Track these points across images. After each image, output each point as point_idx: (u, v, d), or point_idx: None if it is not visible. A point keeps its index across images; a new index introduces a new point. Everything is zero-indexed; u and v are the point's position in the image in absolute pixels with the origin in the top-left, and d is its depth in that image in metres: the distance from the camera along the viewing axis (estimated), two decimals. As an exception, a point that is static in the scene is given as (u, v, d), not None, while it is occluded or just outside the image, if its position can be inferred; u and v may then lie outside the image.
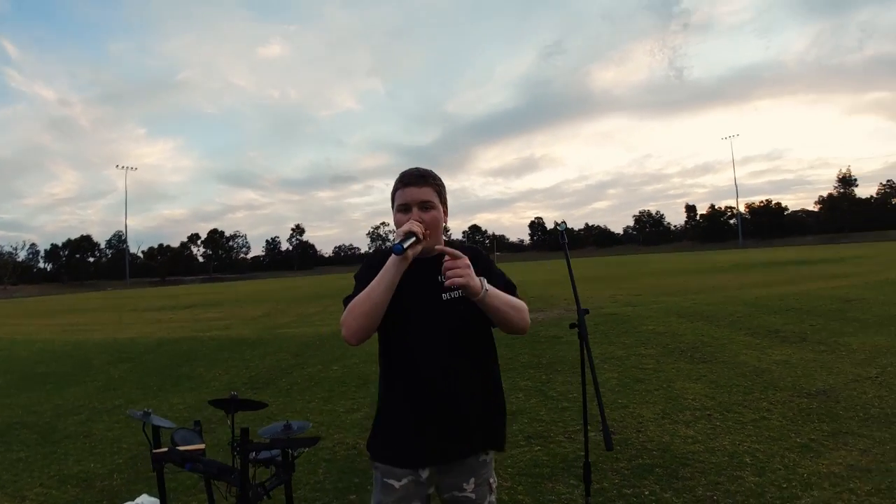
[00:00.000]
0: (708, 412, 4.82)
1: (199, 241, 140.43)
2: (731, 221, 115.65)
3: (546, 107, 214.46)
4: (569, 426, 4.62)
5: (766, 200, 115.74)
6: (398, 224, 1.84)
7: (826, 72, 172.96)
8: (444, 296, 1.83)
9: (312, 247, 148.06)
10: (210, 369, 7.98)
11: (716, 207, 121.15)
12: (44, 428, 5.55)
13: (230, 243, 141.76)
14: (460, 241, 2.24)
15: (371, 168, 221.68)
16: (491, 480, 1.90)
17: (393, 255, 1.67)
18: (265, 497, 2.42)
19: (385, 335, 1.86)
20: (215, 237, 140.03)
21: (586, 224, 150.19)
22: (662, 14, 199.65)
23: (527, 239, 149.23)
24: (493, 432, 1.88)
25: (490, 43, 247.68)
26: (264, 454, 2.54)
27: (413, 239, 1.68)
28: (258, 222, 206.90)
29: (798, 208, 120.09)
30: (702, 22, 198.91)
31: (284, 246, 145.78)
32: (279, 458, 2.54)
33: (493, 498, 1.90)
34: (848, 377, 5.69)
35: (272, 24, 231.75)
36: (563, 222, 2.58)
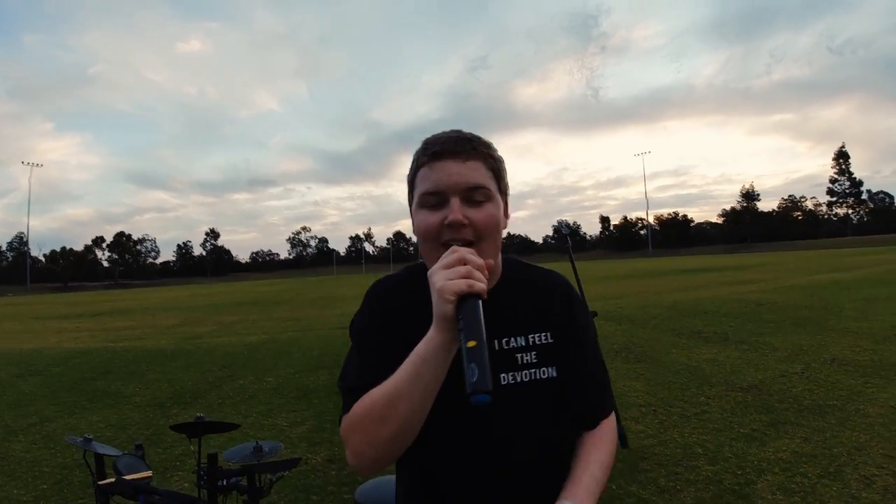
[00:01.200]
0: (653, 408, 4.96)
1: (104, 245, 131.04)
2: (642, 232, 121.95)
3: (470, 118, 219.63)
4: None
5: (674, 213, 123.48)
6: (421, 227, 1.04)
7: (733, 94, 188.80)
8: (505, 378, 1.04)
9: (228, 252, 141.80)
10: (128, 383, 7.37)
11: (627, 219, 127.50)
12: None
13: (138, 247, 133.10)
14: (523, 263, 1.22)
15: (292, 172, 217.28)
16: None
17: (433, 332, 0.90)
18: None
19: (422, 436, 0.99)
20: (122, 240, 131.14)
21: (508, 233, 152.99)
22: (582, 36, 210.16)
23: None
24: None
25: (417, 54, 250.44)
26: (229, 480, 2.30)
27: (481, 320, 0.83)
28: (168, 226, 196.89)
29: (703, 220, 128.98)
30: (619, 45, 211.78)
31: (197, 251, 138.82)
32: (244, 484, 2.29)
33: None
34: (775, 372, 6.04)
35: (194, 21, 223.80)
36: (566, 222, 2.52)
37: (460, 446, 1.02)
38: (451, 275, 0.86)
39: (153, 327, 15.73)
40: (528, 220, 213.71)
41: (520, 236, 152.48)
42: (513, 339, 1.06)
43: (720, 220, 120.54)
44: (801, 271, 23.36)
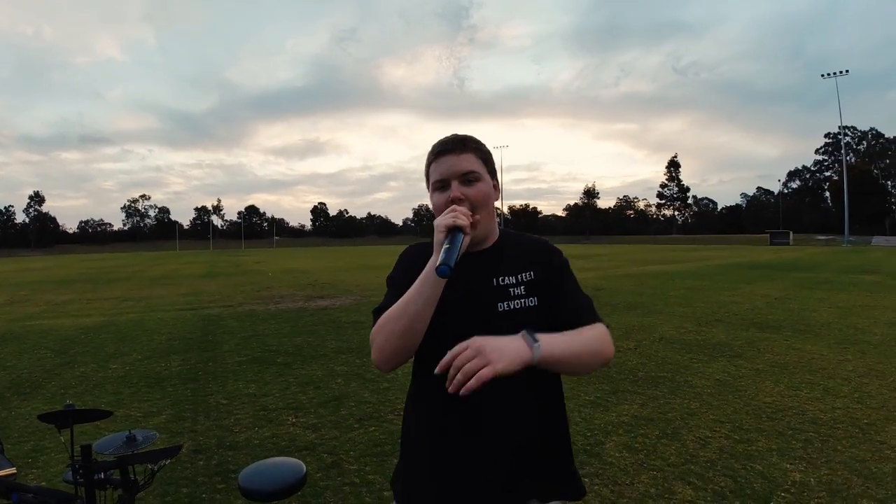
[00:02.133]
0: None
1: None
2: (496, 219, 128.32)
3: (335, 92, 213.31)
4: (395, 405, 4.73)
5: (525, 204, 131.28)
6: (435, 206, 1.40)
7: (584, 101, 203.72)
8: (501, 305, 1.35)
9: (54, 220, 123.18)
10: (-49, 372, 6.40)
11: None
12: None
13: None
14: (515, 232, 1.53)
15: (131, 130, 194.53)
16: None
17: (433, 257, 1.25)
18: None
19: (421, 354, 1.35)
20: None
21: (369, 213, 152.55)
22: (453, 24, 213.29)
23: (308, 224, 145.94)
24: (561, 476, 1.38)
25: (282, 13, 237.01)
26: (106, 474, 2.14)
27: (459, 242, 1.23)
28: None
29: (550, 213, 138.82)
30: (487, 39, 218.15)
31: (20, 217, 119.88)
32: (116, 478, 2.16)
33: None
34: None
35: None
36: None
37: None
38: (444, 217, 1.27)
39: (-33, 307, 13.65)
40: (389, 202, 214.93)
41: (380, 217, 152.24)
42: (506, 277, 1.39)
43: (564, 214, 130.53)
44: (632, 262, 26.09)
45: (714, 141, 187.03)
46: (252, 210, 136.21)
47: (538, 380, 1.32)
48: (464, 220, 1.26)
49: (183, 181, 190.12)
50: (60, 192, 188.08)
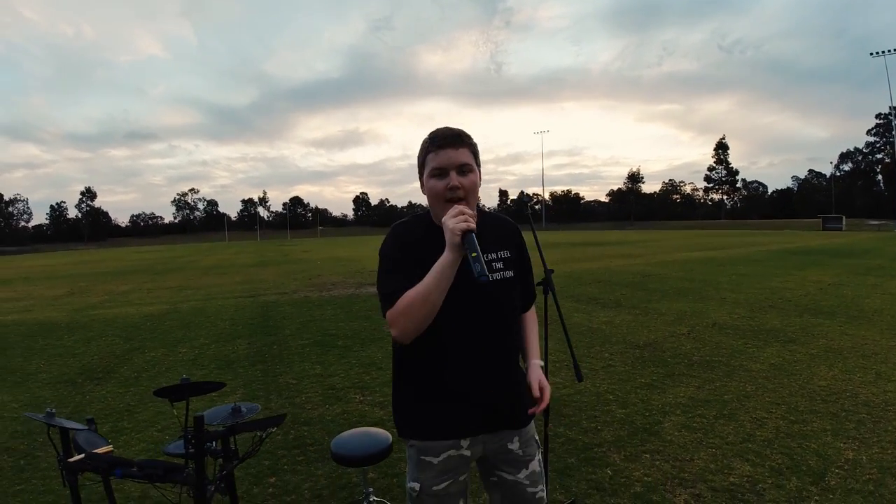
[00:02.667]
0: (566, 363, 5.48)
1: None
2: (537, 206, 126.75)
3: (372, 81, 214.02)
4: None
5: (567, 190, 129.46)
6: (432, 190, 1.68)
7: (625, 82, 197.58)
8: (489, 277, 1.64)
9: (106, 214, 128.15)
10: (30, 359, 6.89)
11: (524, 193, 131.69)
12: None
13: (9, 209, 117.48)
14: (494, 211, 2.09)
15: (176, 126, 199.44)
16: (536, 437, 1.84)
17: (447, 254, 1.52)
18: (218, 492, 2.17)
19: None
20: None
21: (409, 202, 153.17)
22: (488, 8, 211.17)
23: (350, 214, 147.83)
24: (530, 399, 1.72)
25: (316, 4, 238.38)
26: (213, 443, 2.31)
27: (477, 245, 1.47)
28: (39, 184, 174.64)
29: (592, 199, 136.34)
30: (523, 22, 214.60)
31: (72, 213, 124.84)
32: (219, 449, 2.33)
33: (540, 455, 1.83)
34: (665, 333, 6.81)
35: None
36: (528, 195, 2.79)
37: (466, 321, 1.66)
38: (457, 220, 1.50)
39: (38, 298, 14.51)
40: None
41: (420, 205, 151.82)
42: (490, 254, 1.74)
43: (607, 200, 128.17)
44: (679, 248, 25.64)
45: (762, 121, 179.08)
46: (296, 201, 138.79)
47: (506, 346, 1.75)
48: (472, 224, 1.51)
49: (229, 174, 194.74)
50: (110, 188, 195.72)
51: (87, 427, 2.43)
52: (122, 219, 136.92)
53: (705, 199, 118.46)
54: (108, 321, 9.69)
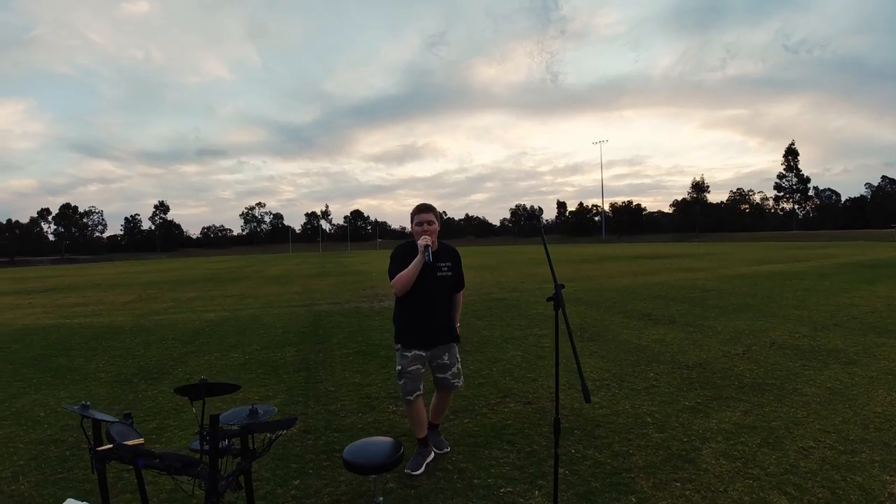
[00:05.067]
0: (606, 382, 5.33)
1: (50, 217, 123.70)
2: (596, 218, 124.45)
3: (429, 96, 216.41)
4: (489, 399, 4.90)
5: (628, 201, 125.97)
6: (415, 232, 3.56)
7: (687, 87, 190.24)
8: (439, 273, 3.59)
9: (178, 226, 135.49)
10: (90, 360, 7.33)
11: (583, 205, 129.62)
12: None
13: (85, 220, 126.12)
14: (445, 243, 3.73)
15: (244, 143, 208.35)
16: (458, 356, 3.77)
17: (423, 258, 3.37)
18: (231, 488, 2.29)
19: (413, 286, 3.48)
20: (68, 213, 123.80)
21: (466, 214, 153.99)
22: (542, 17, 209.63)
23: (408, 226, 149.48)
24: (455, 335, 3.75)
25: (372, 24, 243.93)
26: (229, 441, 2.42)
27: (429, 250, 3.38)
28: (114, 197, 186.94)
29: (655, 209, 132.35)
30: (578, 30, 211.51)
31: (146, 225, 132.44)
32: (236, 447, 2.42)
33: (459, 365, 3.78)
34: (718, 353, 6.51)
35: None
36: (540, 207, 3.11)
37: (429, 292, 3.56)
38: (422, 241, 3.44)
39: (107, 304, 15.40)
40: (485, 202, 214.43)
41: (478, 218, 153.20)
42: (442, 263, 3.62)
43: (671, 210, 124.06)
44: (745, 261, 24.53)
45: (833, 125, 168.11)
46: (357, 214, 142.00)
47: (450, 303, 3.74)
48: (430, 241, 3.42)
49: (293, 189, 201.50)
50: (182, 202, 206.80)
51: (121, 420, 2.58)
52: (193, 231, 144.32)
53: (775, 209, 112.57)
54: (170, 326, 10.16)
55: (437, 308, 3.61)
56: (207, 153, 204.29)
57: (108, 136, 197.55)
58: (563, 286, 2.54)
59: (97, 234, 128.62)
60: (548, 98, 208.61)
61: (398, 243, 3.71)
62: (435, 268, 3.55)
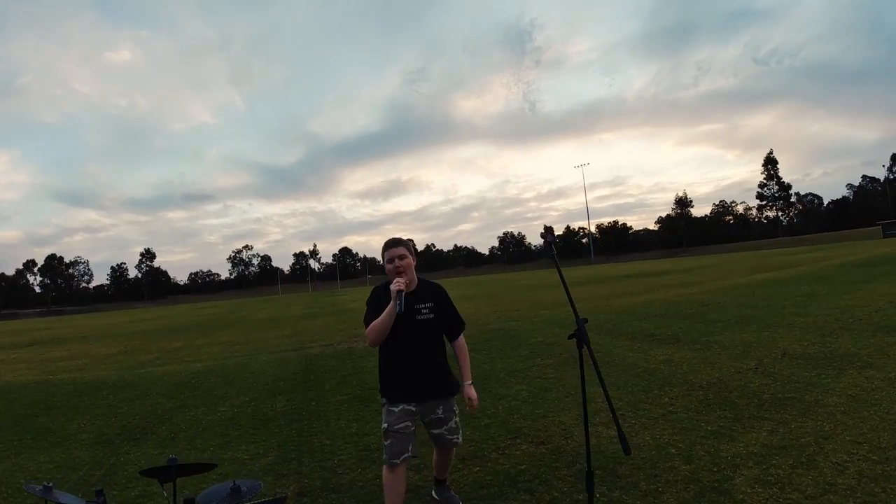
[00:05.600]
0: (621, 412, 4.99)
1: (35, 269, 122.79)
2: (584, 240, 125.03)
3: (411, 131, 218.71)
4: (498, 441, 4.53)
5: (613, 221, 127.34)
6: (388, 271, 3.20)
7: (662, 106, 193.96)
8: (417, 317, 3.20)
9: (165, 273, 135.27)
10: (72, 419, 6.88)
11: (570, 228, 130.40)
12: None
13: (70, 270, 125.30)
14: (426, 280, 3.39)
15: (230, 187, 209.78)
16: (455, 408, 3.31)
17: (391, 303, 3.03)
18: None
19: (391, 334, 3.12)
20: (53, 263, 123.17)
21: (455, 245, 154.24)
22: (517, 49, 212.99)
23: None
24: (449, 386, 3.26)
25: (354, 63, 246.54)
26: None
27: (403, 297, 3.04)
28: (99, 246, 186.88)
29: (640, 228, 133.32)
30: (553, 59, 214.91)
31: (133, 273, 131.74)
32: None
33: (457, 419, 3.32)
34: (730, 370, 6.22)
35: (122, 29, 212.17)
36: (552, 233, 2.74)
37: (408, 339, 3.16)
38: (393, 285, 3.07)
39: (92, 357, 14.86)
40: (473, 232, 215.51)
41: (466, 248, 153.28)
42: (420, 305, 3.21)
43: (656, 227, 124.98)
44: (737, 272, 24.47)
45: (809, 130, 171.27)
46: (345, 252, 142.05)
47: (437, 350, 3.26)
48: (402, 286, 3.05)
49: (280, 230, 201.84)
50: (169, 248, 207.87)
51: (87, 501, 2.25)
52: (180, 277, 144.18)
53: (759, 218, 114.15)
54: (155, 379, 9.69)
55: (422, 356, 3.16)
56: (194, 198, 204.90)
57: (94, 185, 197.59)
58: (585, 321, 2.26)
59: (83, 284, 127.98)
60: (527, 126, 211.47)
61: (373, 287, 3.35)
62: (413, 312, 3.14)
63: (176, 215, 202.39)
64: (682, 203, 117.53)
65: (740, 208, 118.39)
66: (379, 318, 3.03)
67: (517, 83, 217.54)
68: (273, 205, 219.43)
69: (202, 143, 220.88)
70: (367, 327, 3.13)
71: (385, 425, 3.12)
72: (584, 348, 2.26)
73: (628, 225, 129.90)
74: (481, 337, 10.96)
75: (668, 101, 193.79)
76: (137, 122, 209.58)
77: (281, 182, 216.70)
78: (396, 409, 3.09)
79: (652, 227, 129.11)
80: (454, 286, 48.05)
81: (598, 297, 18.41)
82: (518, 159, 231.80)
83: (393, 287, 3.04)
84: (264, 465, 4.55)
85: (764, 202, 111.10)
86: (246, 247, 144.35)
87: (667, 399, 5.33)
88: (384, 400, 3.19)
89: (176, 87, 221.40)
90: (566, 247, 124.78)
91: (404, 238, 3.28)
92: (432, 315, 3.23)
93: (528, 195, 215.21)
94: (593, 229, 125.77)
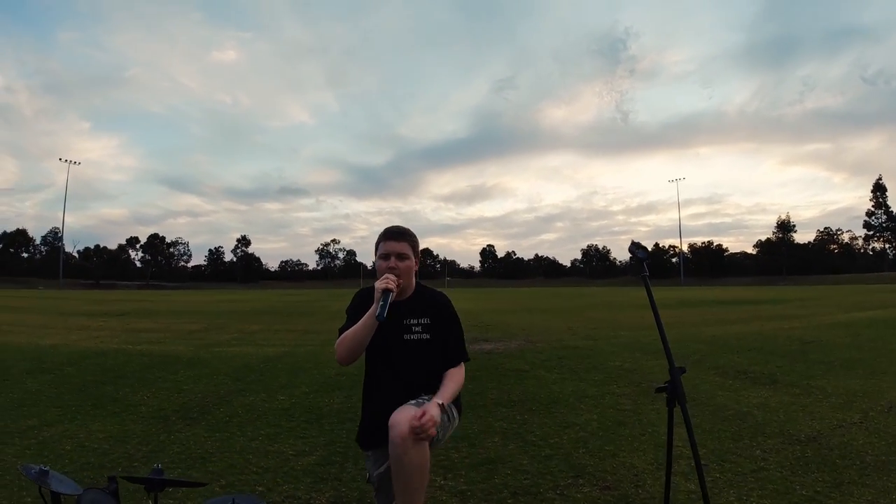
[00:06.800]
0: (704, 463, 4.35)
1: (138, 245, 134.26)
2: (674, 260, 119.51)
3: (498, 138, 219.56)
4: (558, 479, 4.00)
5: (707, 241, 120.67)
6: (379, 268, 2.56)
7: (766, 123, 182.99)
8: (406, 335, 2.58)
9: (258, 260, 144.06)
10: (137, 391, 7.04)
11: (659, 245, 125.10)
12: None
13: (171, 249, 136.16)
14: (427, 288, 2.76)
15: (322, 183, 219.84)
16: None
17: (373, 306, 2.40)
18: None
19: (370, 358, 2.62)
20: (155, 242, 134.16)
21: (536, 254, 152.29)
22: (610, 58, 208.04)
23: (477, 265, 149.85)
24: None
25: (443, 71, 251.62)
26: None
27: (388, 299, 2.36)
28: (200, 230, 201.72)
29: (737, 250, 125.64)
30: (648, 69, 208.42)
31: (228, 257, 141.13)
32: None
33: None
34: (832, 422, 5.39)
35: (227, 30, 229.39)
36: (643, 248, 2.28)
37: (389, 365, 2.56)
38: (381, 282, 2.44)
39: (174, 331, 15.56)
40: (555, 242, 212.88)
41: (547, 259, 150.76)
42: (412, 319, 2.59)
43: (754, 251, 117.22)
44: (840, 307, 22.30)
45: None
46: (426, 253, 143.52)
47: (430, 382, 2.59)
48: (391, 285, 2.41)
49: (366, 227, 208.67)
50: (263, 236, 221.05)
51: (89, 488, 2.09)
52: (271, 264, 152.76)
53: (865, 249, 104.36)
54: (226, 359, 9.88)
55: (405, 390, 2.47)
56: (288, 192, 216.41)
57: (197, 173, 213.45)
58: (683, 370, 1.80)
59: (182, 263, 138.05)
60: (618, 137, 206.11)
61: (357, 290, 2.78)
62: (399, 327, 2.50)
63: (271, 206, 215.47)
64: (784, 227, 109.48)
65: (846, 237, 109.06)
66: (353, 327, 2.40)
67: (609, 92, 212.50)
68: (361, 202, 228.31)
69: (298, 140, 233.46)
70: (338, 336, 2.53)
71: (368, 473, 2.57)
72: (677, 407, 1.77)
73: (724, 246, 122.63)
74: (553, 354, 10.39)
75: (772, 117, 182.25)
76: (239, 118, 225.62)
77: (369, 181, 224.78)
78: (370, 454, 2.54)
79: (749, 250, 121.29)
80: (531, 296, 47.20)
81: (687, 322, 17.22)
82: (607, 170, 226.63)
83: (378, 284, 2.40)
84: (306, 464, 4.32)
85: (871, 232, 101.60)
86: (333, 240, 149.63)
87: (759, 452, 4.61)
88: (367, 453, 2.60)
89: (276, 87, 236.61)
90: (654, 265, 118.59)
91: (411, 232, 2.63)
92: (427, 335, 2.56)
93: (615, 208, 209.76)
94: (685, 248, 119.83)
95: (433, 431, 2.19)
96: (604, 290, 58.24)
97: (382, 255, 2.57)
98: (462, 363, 2.70)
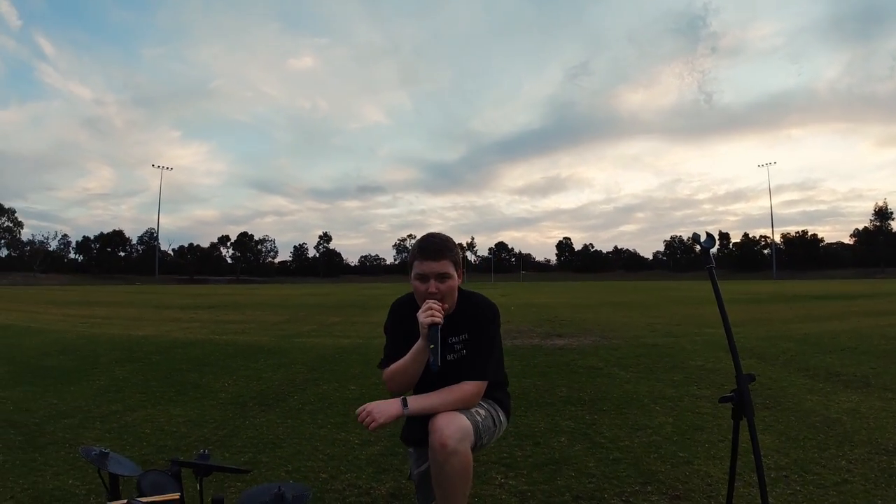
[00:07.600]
0: (784, 472, 4.06)
1: (228, 243, 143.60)
2: (766, 251, 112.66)
3: (572, 127, 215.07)
4: (624, 485, 3.83)
5: (802, 231, 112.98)
6: (417, 290, 2.36)
7: (858, 100, 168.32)
8: (448, 357, 2.41)
9: (339, 255, 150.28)
10: (219, 378, 7.46)
11: (749, 236, 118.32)
12: (31, 430, 5.00)
13: (259, 247, 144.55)
14: (470, 295, 2.56)
15: (399, 181, 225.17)
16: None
17: (420, 340, 2.28)
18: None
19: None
20: (244, 240, 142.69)
21: (615, 247, 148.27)
22: (689, 37, 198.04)
23: (553, 259, 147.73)
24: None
25: (514, 62, 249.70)
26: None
27: (438, 336, 2.18)
28: (286, 228, 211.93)
29: (833, 240, 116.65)
30: (731, 46, 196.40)
31: (311, 253, 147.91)
32: None
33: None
34: (929, 432, 4.88)
35: (303, 37, 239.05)
36: (709, 234, 2.08)
37: (430, 383, 2.35)
38: (425, 316, 2.22)
39: (259, 322, 16.35)
40: (636, 234, 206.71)
41: (627, 251, 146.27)
42: (453, 337, 2.44)
43: (851, 241, 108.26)
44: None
45: None
46: (501, 246, 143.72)
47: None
48: (439, 318, 2.21)
49: (442, 222, 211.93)
50: (344, 233, 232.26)
51: (151, 469, 2.26)
52: (352, 259, 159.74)
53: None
54: (305, 349, 10.28)
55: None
56: (367, 190, 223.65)
57: (282, 175, 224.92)
58: (752, 378, 1.68)
59: (269, 259, 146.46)
60: (702, 120, 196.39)
61: (392, 303, 2.61)
62: (441, 347, 2.27)
63: (351, 204, 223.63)
64: (882, 214, 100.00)
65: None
66: (402, 363, 2.28)
67: (691, 73, 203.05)
68: (436, 198, 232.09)
69: (375, 140, 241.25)
70: (384, 366, 2.45)
71: (409, 471, 2.69)
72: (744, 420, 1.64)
73: (819, 236, 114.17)
74: (629, 351, 10.05)
75: (864, 94, 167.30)
76: (319, 122, 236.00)
77: (444, 177, 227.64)
78: (413, 450, 2.62)
79: (846, 240, 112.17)
80: (609, 290, 45.92)
81: (778, 319, 16.18)
82: (691, 156, 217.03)
83: (424, 319, 2.18)
84: (370, 454, 4.42)
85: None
86: (410, 236, 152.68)
87: (844, 462, 4.24)
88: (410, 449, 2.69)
89: (352, 90, 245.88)
90: (743, 257, 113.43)
91: (451, 243, 2.37)
92: (465, 351, 2.44)
93: (701, 196, 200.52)
94: (777, 239, 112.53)
95: (371, 428, 2.25)
96: (688, 284, 55.71)
97: (419, 276, 2.32)
98: (477, 381, 2.36)
